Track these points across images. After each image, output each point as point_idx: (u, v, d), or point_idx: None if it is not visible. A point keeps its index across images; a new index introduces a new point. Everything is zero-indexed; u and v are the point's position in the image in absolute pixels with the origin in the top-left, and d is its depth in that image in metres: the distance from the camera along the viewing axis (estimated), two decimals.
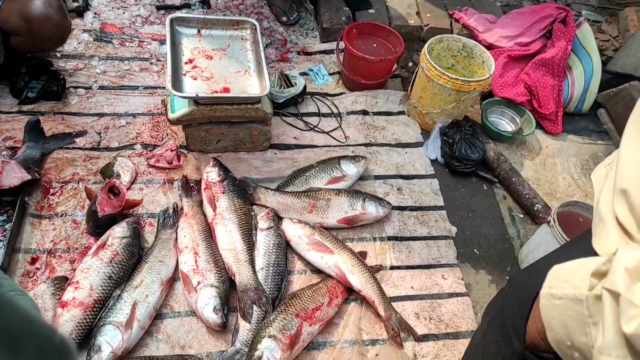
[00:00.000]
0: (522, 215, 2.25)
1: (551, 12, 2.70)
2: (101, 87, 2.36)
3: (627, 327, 0.53)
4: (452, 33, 2.87)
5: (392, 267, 1.95)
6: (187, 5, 2.81)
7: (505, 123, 2.62)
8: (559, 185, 2.40)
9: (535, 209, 2.18)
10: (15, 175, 1.77)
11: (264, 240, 1.85)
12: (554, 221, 1.81)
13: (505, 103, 2.61)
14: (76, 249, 1.79)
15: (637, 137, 0.73)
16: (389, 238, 2.03)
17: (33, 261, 1.74)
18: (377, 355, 1.69)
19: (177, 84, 1.88)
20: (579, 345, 0.63)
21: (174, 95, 1.85)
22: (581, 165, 2.51)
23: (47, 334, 0.35)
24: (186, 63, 2.00)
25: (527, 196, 2.22)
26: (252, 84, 2.00)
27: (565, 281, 0.66)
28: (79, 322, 1.54)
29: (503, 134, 2.48)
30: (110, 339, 1.51)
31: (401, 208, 2.15)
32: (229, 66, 2.03)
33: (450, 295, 1.91)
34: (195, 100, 1.90)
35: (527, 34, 2.73)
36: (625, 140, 0.76)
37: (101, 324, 1.55)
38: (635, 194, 0.68)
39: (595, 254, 0.75)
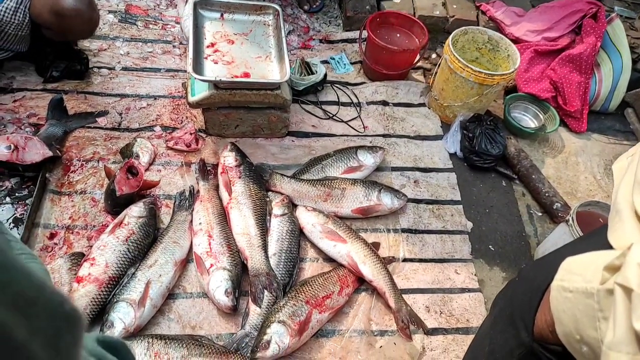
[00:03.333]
0: (540, 214, 2.21)
1: (582, 7, 2.62)
2: (124, 68, 2.38)
3: (638, 323, 0.52)
4: (478, 25, 2.81)
5: (405, 260, 1.94)
6: None
7: (528, 119, 2.57)
8: (580, 184, 2.35)
9: (555, 207, 2.15)
10: (37, 152, 1.81)
11: (277, 226, 1.86)
12: (573, 220, 1.77)
13: (529, 98, 2.55)
14: (94, 226, 1.83)
15: None
16: (403, 230, 2.02)
17: (52, 236, 1.78)
18: (385, 345, 1.69)
19: (198, 67, 1.89)
20: (588, 340, 0.62)
21: (195, 78, 1.85)
22: (604, 165, 2.45)
23: (59, 301, 0.35)
24: (208, 47, 2.00)
25: (547, 194, 2.18)
26: (272, 70, 2.00)
27: (577, 274, 0.65)
28: (93, 298, 1.57)
29: (525, 130, 2.43)
30: (123, 315, 1.54)
31: (417, 201, 2.13)
32: (250, 51, 2.03)
33: (463, 290, 1.89)
34: (216, 84, 1.91)
35: (556, 29, 2.66)
36: None
37: (115, 300, 1.58)
38: None
39: (610, 248, 0.73)
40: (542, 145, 2.49)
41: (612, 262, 0.59)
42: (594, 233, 0.96)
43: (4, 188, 1.86)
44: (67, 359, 0.37)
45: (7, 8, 1.87)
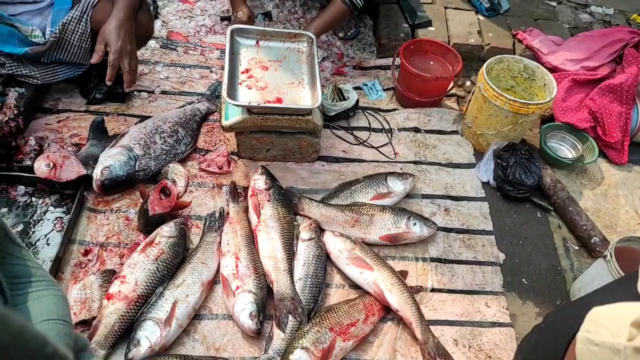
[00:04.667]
0: (577, 247, 2.13)
1: (623, 37, 2.57)
2: (163, 92, 2.47)
3: None
4: (514, 54, 2.78)
5: (433, 290, 1.90)
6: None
7: (565, 149, 2.51)
8: (621, 218, 2.26)
9: (592, 241, 2.06)
10: (73, 170, 1.88)
11: (304, 250, 1.86)
12: (611, 256, 1.70)
13: (566, 128, 2.49)
14: (126, 244, 1.87)
15: None
16: (432, 259, 1.98)
17: (86, 253, 1.84)
18: None
19: (232, 92, 1.94)
20: None
21: (229, 103, 1.90)
22: None
23: (39, 345, 0.36)
24: (242, 72, 2.06)
25: (584, 227, 2.11)
26: (304, 95, 2.03)
27: (603, 327, 0.62)
28: (122, 315, 1.60)
29: (562, 160, 2.37)
30: (149, 334, 1.57)
31: (447, 230, 2.09)
32: (283, 77, 2.07)
33: (493, 324, 1.83)
34: (248, 109, 1.95)
35: (595, 58, 2.61)
36: None
37: (142, 319, 1.60)
38: None
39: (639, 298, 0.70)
40: (580, 176, 2.41)
41: None
42: (625, 279, 0.91)
43: (44, 204, 1.94)
44: None
45: (72, 17, 1.98)
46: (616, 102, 2.43)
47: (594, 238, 2.06)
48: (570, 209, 2.17)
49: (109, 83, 1.98)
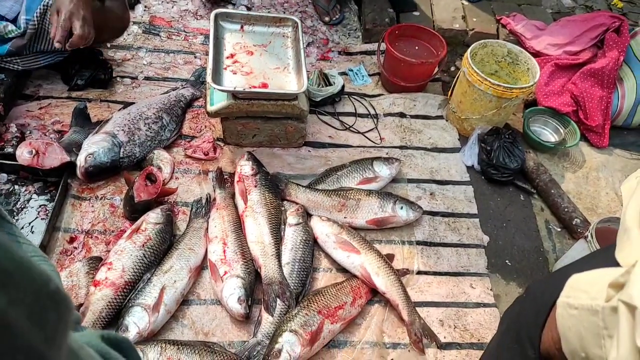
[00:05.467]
0: (559, 229, 2.17)
1: (604, 21, 2.59)
2: (146, 78, 2.44)
3: None
4: (498, 38, 2.80)
5: (419, 272, 1.93)
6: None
7: (548, 133, 2.54)
8: (601, 200, 2.31)
9: (574, 223, 2.11)
10: (56, 157, 1.86)
11: (291, 235, 1.87)
12: (592, 237, 1.74)
13: (549, 112, 2.52)
14: (112, 231, 1.86)
15: None
16: (418, 243, 2.01)
17: (71, 240, 1.82)
18: (397, 358, 1.68)
19: (217, 77, 1.92)
20: (593, 358, 0.61)
21: (214, 88, 1.89)
22: None
23: (44, 280, 0.37)
24: (227, 57, 2.04)
25: (566, 209, 2.15)
26: (290, 80, 2.02)
27: (582, 291, 0.65)
28: (109, 302, 1.60)
29: (545, 144, 2.40)
30: (137, 320, 1.57)
31: (433, 213, 2.12)
32: (268, 62, 2.06)
33: (478, 305, 1.87)
34: (234, 95, 1.94)
35: (577, 43, 2.64)
36: None
37: (130, 305, 1.60)
38: None
39: (617, 265, 0.72)
40: (562, 160, 2.46)
41: (617, 279, 0.59)
42: (603, 250, 0.94)
43: (27, 192, 1.91)
44: (53, 336, 0.38)
45: (48, 4, 1.94)
46: (597, 86, 2.47)
47: (576, 220, 2.11)
48: (552, 191, 2.21)
49: (56, 44, 1.85)
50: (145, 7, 2.78)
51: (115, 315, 1.61)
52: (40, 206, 1.88)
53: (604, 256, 0.79)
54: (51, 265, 0.55)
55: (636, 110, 2.56)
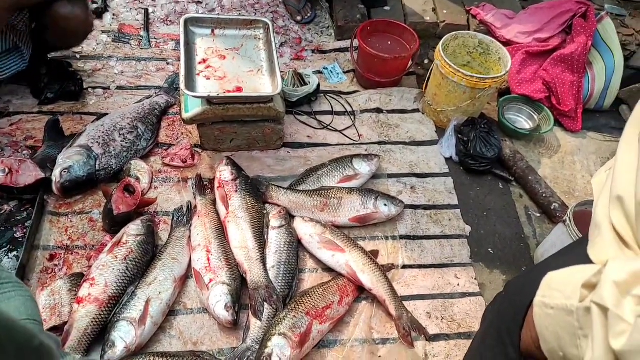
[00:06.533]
0: (538, 215, 2.21)
1: (571, 7, 2.64)
2: (119, 87, 2.40)
3: (615, 342, 0.51)
4: (469, 29, 2.83)
5: (404, 266, 1.94)
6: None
7: (522, 120, 2.58)
8: (578, 183, 2.35)
9: (552, 207, 2.14)
10: (30, 174, 1.82)
11: (275, 238, 1.86)
12: (570, 220, 1.77)
13: (523, 100, 2.56)
14: (93, 246, 1.84)
15: (634, 142, 0.70)
16: (402, 237, 2.02)
17: (51, 258, 1.79)
18: (387, 354, 1.69)
19: (190, 84, 1.90)
20: (571, 357, 0.62)
21: (187, 95, 1.87)
22: (601, 163, 2.45)
23: (27, 337, 0.36)
24: (200, 63, 2.02)
25: (544, 195, 2.19)
26: (264, 83, 2.01)
27: (557, 290, 0.65)
28: (94, 318, 1.58)
29: (520, 131, 2.44)
30: (124, 334, 1.55)
31: (414, 207, 2.13)
32: (242, 66, 2.05)
33: (463, 295, 1.89)
34: (209, 100, 1.93)
35: (546, 30, 2.68)
36: (622, 146, 0.73)
37: (115, 320, 1.58)
38: (631, 202, 0.66)
39: (591, 261, 0.73)
40: (538, 146, 2.49)
41: (590, 279, 0.59)
42: (577, 243, 0.96)
43: (3, 212, 1.87)
44: None
45: None
46: (568, 71, 2.51)
47: (554, 204, 2.14)
48: (530, 178, 2.24)
49: None
50: (114, 15, 2.73)
51: (101, 331, 1.58)
52: (17, 225, 1.84)
53: (579, 250, 0.80)
54: (26, 292, 0.54)
55: (607, 92, 2.62)
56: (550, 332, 0.66)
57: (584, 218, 1.80)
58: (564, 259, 0.88)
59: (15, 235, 1.81)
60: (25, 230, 1.82)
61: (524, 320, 0.82)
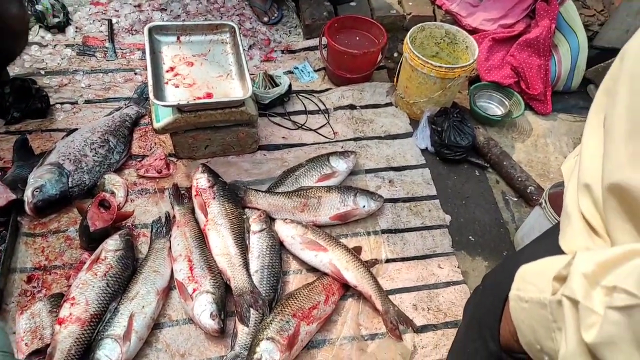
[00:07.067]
0: (515, 199, 2.24)
1: None
2: (87, 101, 2.36)
3: (587, 335, 0.51)
4: (435, 20, 2.85)
5: (388, 260, 1.95)
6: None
7: (494, 107, 2.61)
8: (552, 165, 2.39)
9: (529, 191, 2.18)
10: (0, 196, 1.78)
11: (257, 242, 1.85)
12: (546, 203, 1.80)
13: (493, 87, 2.59)
14: (71, 264, 1.80)
15: (598, 128, 0.70)
16: (383, 231, 2.03)
17: (29, 280, 1.76)
18: (376, 349, 1.70)
19: (159, 93, 1.88)
20: (547, 351, 0.62)
21: (157, 104, 1.84)
22: (573, 143, 2.50)
23: None
24: (167, 71, 1.99)
25: (520, 179, 2.22)
26: (234, 87, 2.00)
27: (531, 283, 0.65)
28: (77, 338, 1.55)
29: (492, 118, 2.47)
30: (109, 352, 1.53)
31: (394, 200, 2.14)
32: (210, 71, 2.03)
33: (447, 284, 1.91)
34: (179, 108, 1.90)
35: (511, 16, 2.71)
36: (587, 132, 0.73)
37: (99, 338, 1.56)
38: (598, 189, 0.66)
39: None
40: (511, 131, 2.53)
41: (560, 272, 0.59)
42: (549, 232, 0.96)
43: None
44: None
45: None
46: (534, 55, 2.55)
47: (530, 188, 2.18)
48: (505, 163, 2.27)
49: None
50: (77, 28, 2.68)
51: (85, 351, 1.56)
52: None
53: (551, 240, 0.80)
54: None
55: (574, 74, 2.67)
56: (526, 326, 0.66)
57: (559, 199, 1.81)
58: (537, 248, 0.88)
59: None
60: (0, 254, 1.77)
61: (502, 313, 0.82)
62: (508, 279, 0.71)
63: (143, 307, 1.64)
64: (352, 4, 2.90)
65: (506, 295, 0.72)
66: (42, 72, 2.44)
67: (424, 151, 2.35)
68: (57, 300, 1.66)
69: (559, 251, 0.73)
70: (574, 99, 2.74)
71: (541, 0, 2.61)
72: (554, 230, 0.82)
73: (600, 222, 0.67)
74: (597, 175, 0.66)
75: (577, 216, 0.71)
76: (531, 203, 2.17)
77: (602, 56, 2.72)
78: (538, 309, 0.62)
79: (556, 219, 1.74)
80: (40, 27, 2.62)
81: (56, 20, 2.62)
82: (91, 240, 1.80)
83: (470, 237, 2.07)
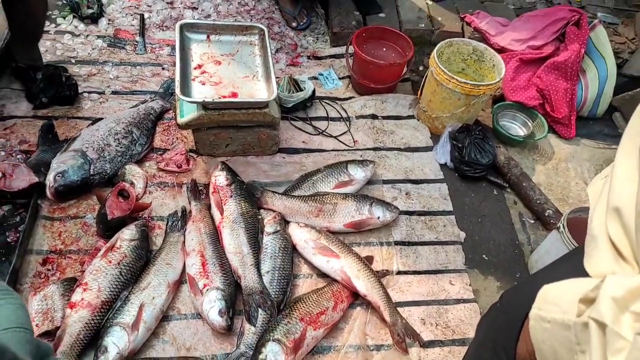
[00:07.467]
0: (532, 221, 2.22)
1: (564, 15, 2.66)
2: (114, 92, 2.40)
3: (613, 359, 0.51)
4: (463, 37, 2.84)
5: (399, 272, 1.94)
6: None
7: (517, 127, 2.59)
8: (572, 190, 2.36)
9: (546, 214, 2.15)
10: (24, 178, 1.82)
11: (270, 243, 1.86)
12: (564, 227, 1.78)
13: (517, 107, 2.58)
14: (86, 250, 1.83)
15: (632, 152, 0.69)
16: (396, 243, 2.02)
17: (44, 262, 1.78)
18: None
19: (185, 89, 1.90)
20: None
21: (183, 100, 1.87)
22: (595, 170, 2.47)
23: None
24: (195, 68, 2.02)
25: (538, 201, 2.19)
26: (259, 88, 2.02)
27: (554, 304, 0.64)
28: (86, 323, 1.57)
29: (514, 138, 2.45)
30: (116, 339, 1.54)
31: (409, 213, 2.13)
32: (237, 71, 2.05)
33: (458, 301, 1.89)
34: (204, 105, 1.93)
35: (540, 37, 2.70)
36: (619, 156, 0.72)
37: (108, 325, 1.58)
38: (629, 214, 0.65)
39: (587, 273, 0.72)
40: (532, 152, 2.51)
41: (587, 294, 0.58)
42: (572, 254, 0.94)
43: None
44: None
45: None
46: (562, 78, 2.53)
47: (548, 211, 2.15)
48: (524, 184, 2.25)
49: None
50: (109, 20, 2.74)
51: (93, 337, 1.58)
52: (10, 229, 1.83)
53: (574, 262, 0.79)
54: (16, 299, 0.54)
55: (600, 100, 2.64)
56: (547, 346, 0.65)
57: (577, 225, 1.80)
58: (559, 270, 0.87)
59: (7, 239, 1.80)
60: (18, 235, 1.80)
61: (520, 333, 0.81)
62: (528, 298, 0.70)
63: (153, 298, 1.65)
64: (382, 15, 2.92)
65: (525, 315, 0.71)
66: (73, 60, 2.49)
67: (443, 166, 2.34)
68: (70, 284, 1.68)
69: (580, 275, 0.72)
70: (598, 125, 2.71)
71: (572, 24, 2.60)
72: (574, 254, 0.81)
73: (629, 247, 0.66)
74: (629, 199, 0.65)
75: (604, 239, 0.70)
76: (548, 227, 2.15)
77: (630, 84, 2.69)
78: (561, 330, 0.61)
79: (573, 244, 1.72)
80: (74, 17, 2.69)
81: (90, 11, 2.68)
82: (108, 228, 1.83)
83: (484, 255, 2.05)
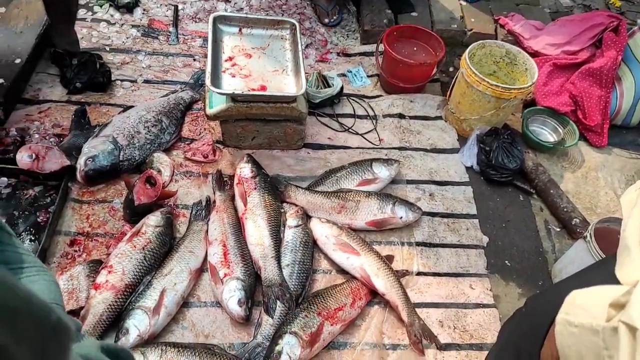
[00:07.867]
0: (558, 229, 2.18)
1: (602, 21, 2.60)
2: (146, 81, 2.44)
3: None
4: (496, 39, 2.80)
5: (419, 273, 1.93)
6: None
7: (547, 133, 2.54)
8: (600, 200, 2.31)
9: (573, 223, 2.11)
10: (56, 161, 1.87)
11: (291, 237, 1.87)
12: (591, 237, 1.74)
13: (548, 112, 2.53)
14: (112, 234, 1.87)
15: None
16: (418, 244, 2.01)
17: (72, 244, 1.83)
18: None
19: (215, 80, 1.93)
20: None
21: (212, 91, 1.89)
22: (626, 180, 2.41)
23: (45, 312, 0.38)
24: (226, 60, 2.04)
25: (565, 209, 2.15)
26: (288, 83, 2.03)
27: (582, 309, 0.63)
28: (110, 305, 1.61)
29: (544, 144, 2.41)
30: (138, 322, 1.57)
31: (432, 214, 2.12)
32: (267, 65, 2.07)
33: (477, 305, 1.87)
34: (233, 97, 1.95)
35: (575, 43, 2.64)
36: None
37: (130, 307, 1.61)
38: None
39: (617, 281, 0.71)
40: (561, 159, 2.46)
41: (618, 299, 0.57)
42: (602, 262, 0.93)
43: (28, 196, 1.92)
44: None
45: None
46: (596, 85, 2.47)
47: (575, 220, 2.11)
48: (551, 191, 2.21)
49: None
50: (144, 10, 2.79)
51: (115, 318, 1.62)
52: (40, 210, 1.89)
53: (604, 270, 0.78)
54: (50, 276, 0.56)
55: (635, 109, 2.57)
56: (574, 351, 0.64)
57: (605, 235, 1.76)
58: (587, 278, 0.86)
59: (38, 219, 1.85)
60: (48, 215, 1.86)
61: (544, 338, 0.80)
62: (553, 304, 0.69)
63: (175, 284, 1.68)
64: (414, 14, 2.90)
65: (550, 321, 0.70)
66: (107, 48, 2.55)
67: (469, 169, 2.32)
68: (96, 266, 1.72)
69: (611, 282, 0.71)
70: (632, 135, 2.64)
71: (610, 30, 2.54)
72: (603, 263, 0.80)
73: None
74: None
75: (637, 250, 0.69)
76: (574, 235, 2.10)
77: None
78: (589, 335, 0.60)
79: (600, 255, 1.68)
80: (110, 5, 2.74)
81: (126, 0, 2.73)
82: (134, 214, 1.87)
83: (506, 261, 2.03)
